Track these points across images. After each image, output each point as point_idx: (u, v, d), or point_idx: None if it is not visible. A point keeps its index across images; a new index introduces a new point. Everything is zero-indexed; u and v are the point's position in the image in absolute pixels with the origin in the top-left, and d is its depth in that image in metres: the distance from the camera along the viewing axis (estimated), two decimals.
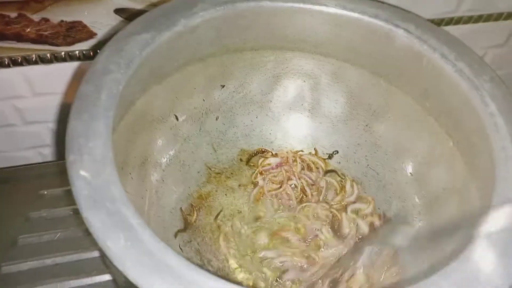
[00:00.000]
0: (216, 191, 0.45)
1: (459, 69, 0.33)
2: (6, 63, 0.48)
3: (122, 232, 0.22)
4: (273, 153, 0.48)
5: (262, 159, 0.47)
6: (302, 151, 0.48)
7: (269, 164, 0.47)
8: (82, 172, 0.24)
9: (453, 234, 0.32)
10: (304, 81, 0.46)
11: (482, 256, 0.23)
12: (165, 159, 0.43)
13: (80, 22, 0.47)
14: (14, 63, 0.48)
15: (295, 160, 0.47)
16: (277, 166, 0.47)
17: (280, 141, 0.49)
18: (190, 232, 0.42)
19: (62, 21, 0.46)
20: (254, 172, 0.47)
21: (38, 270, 0.43)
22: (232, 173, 0.47)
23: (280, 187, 0.45)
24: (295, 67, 0.46)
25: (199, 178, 0.45)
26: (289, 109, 0.48)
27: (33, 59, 0.48)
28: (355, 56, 0.42)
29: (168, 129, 0.43)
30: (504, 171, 0.28)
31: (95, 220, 0.22)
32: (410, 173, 0.43)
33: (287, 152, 0.48)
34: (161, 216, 0.41)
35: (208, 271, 0.22)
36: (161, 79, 0.39)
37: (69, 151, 0.25)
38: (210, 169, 0.46)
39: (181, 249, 0.40)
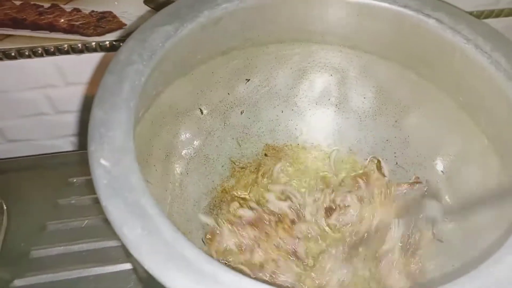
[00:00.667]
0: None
1: (494, 60, 0.31)
2: (40, 52, 0.49)
3: (139, 220, 0.22)
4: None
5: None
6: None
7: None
8: (102, 161, 0.24)
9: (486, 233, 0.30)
10: (331, 75, 0.45)
11: None
12: (190, 152, 0.43)
13: (110, 13, 0.47)
14: (47, 52, 0.49)
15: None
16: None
17: (305, 136, 0.48)
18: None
19: (92, 11, 0.47)
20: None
21: (65, 255, 0.44)
22: (256, 168, 0.46)
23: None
24: (322, 61, 0.45)
25: (223, 172, 0.45)
26: (315, 103, 0.47)
27: (65, 49, 0.49)
28: (384, 49, 0.41)
29: (193, 122, 0.43)
30: None
31: (113, 208, 0.23)
32: (441, 171, 0.41)
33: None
34: (184, 208, 0.41)
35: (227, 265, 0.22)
36: (185, 71, 0.39)
37: (91, 140, 0.25)
38: (234, 163, 0.46)
39: (203, 242, 0.40)
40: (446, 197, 0.40)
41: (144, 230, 0.22)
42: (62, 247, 0.45)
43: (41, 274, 0.43)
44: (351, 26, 0.40)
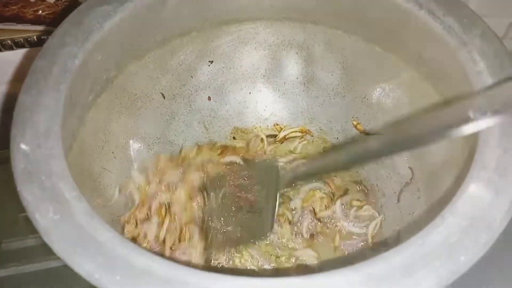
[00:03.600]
0: None
1: (447, 25, 0.29)
2: (9, 45, 0.49)
3: (52, 205, 0.22)
4: None
5: None
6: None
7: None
8: (22, 146, 0.24)
9: None
10: (297, 53, 0.44)
11: None
12: (152, 138, 0.42)
13: (76, 1, 0.46)
14: (17, 45, 0.48)
15: None
16: None
17: (275, 117, 0.46)
18: None
19: (58, 0, 0.46)
20: None
21: (37, 247, 0.44)
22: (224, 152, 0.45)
23: None
24: (286, 38, 0.43)
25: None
26: (283, 83, 0.45)
27: (35, 40, 0.49)
28: (346, 23, 0.39)
29: (155, 107, 0.42)
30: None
31: (27, 193, 0.22)
32: None
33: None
34: None
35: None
36: (139, 55, 0.38)
37: (14, 125, 0.25)
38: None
39: None
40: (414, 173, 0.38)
41: (57, 215, 0.21)
42: (34, 239, 0.45)
43: (13, 267, 0.43)
44: (312, 1, 0.38)
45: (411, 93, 0.37)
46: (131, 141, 0.40)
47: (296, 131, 0.45)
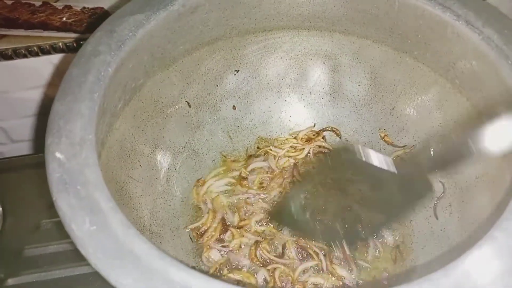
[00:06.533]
0: None
1: (486, 37, 0.28)
2: (36, 51, 0.49)
3: (89, 216, 0.21)
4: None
5: None
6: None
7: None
8: (57, 154, 0.23)
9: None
10: (324, 63, 0.43)
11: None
12: (177, 147, 0.42)
13: (101, 8, 0.47)
14: (43, 51, 0.49)
15: None
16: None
17: (300, 127, 0.46)
18: None
19: (84, 7, 0.47)
20: None
21: (58, 254, 0.44)
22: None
23: None
24: (313, 48, 0.43)
25: (213, 167, 0.44)
26: (309, 93, 0.45)
27: (60, 47, 0.49)
28: (376, 32, 0.39)
29: (180, 116, 0.42)
30: None
31: (63, 203, 0.22)
32: None
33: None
34: (171, 205, 0.40)
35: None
36: (167, 63, 0.38)
37: (48, 133, 0.25)
38: (225, 157, 0.45)
39: (191, 238, 0.39)
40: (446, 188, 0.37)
41: (93, 226, 0.21)
42: (56, 246, 0.45)
43: (35, 273, 0.43)
44: (339, 10, 0.38)
45: (443, 105, 0.37)
46: (156, 150, 0.40)
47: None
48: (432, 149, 0.26)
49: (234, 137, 0.45)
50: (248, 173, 0.43)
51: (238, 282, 0.35)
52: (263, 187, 0.42)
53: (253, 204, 0.41)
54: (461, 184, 0.35)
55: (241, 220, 0.40)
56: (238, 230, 0.39)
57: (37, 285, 0.42)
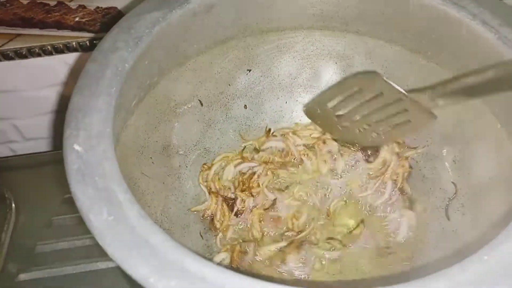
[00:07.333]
0: None
1: (503, 36, 0.28)
2: (49, 50, 0.50)
3: (107, 206, 0.21)
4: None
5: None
6: None
7: None
8: (76, 146, 0.24)
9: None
10: (336, 63, 0.43)
11: None
12: (189, 145, 0.42)
13: (115, 8, 0.47)
14: (57, 50, 0.49)
15: None
16: None
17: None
18: None
19: (98, 7, 0.47)
20: None
21: (70, 250, 0.44)
22: None
23: None
24: (326, 48, 0.43)
25: None
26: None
27: (74, 46, 0.50)
28: (389, 32, 0.39)
29: (192, 114, 0.42)
30: None
31: (81, 194, 0.22)
32: (453, 160, 0.38)
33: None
34: (182, 202, 0.40)
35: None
36: (181, 61, 0.38)
37: (66, 126, 0.25)
38: None
39: (201, 236, 0.39)
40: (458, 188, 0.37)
41: (111, 216, 0.21)
42: (67, 242, 0.45)
43: (46, 269, 0.43)
44: (352, 10, 0.38)
45: (457, 105, 0.36)
46: (168, 147, 0.40)
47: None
48: None
49: (245, 136, 0.45)
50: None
51: None
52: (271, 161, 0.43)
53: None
54: (473, 185, 0.35)
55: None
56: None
57: (48, 281, 0.43)
